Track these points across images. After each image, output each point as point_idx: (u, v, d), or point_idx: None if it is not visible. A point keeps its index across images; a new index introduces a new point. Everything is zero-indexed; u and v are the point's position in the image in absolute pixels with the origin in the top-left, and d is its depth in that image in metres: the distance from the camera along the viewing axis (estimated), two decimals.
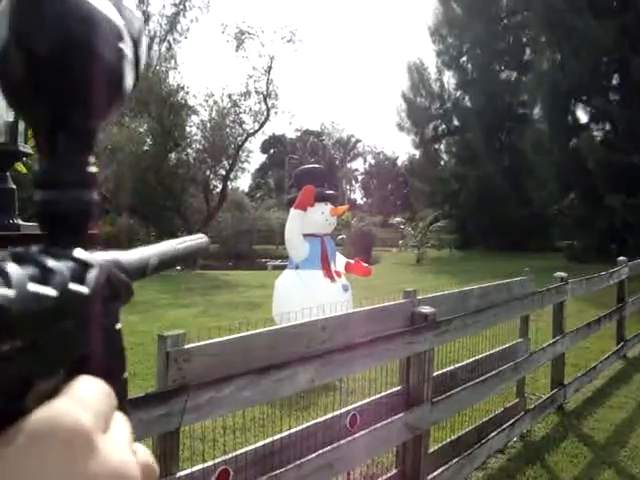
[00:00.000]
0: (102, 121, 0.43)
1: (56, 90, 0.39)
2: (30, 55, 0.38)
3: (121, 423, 0.37)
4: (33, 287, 0.33)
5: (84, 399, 0.34)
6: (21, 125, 2.28)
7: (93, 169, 0.43)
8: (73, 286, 0.35)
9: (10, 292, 0.32)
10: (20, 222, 2.07)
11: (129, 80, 0.43)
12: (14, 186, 2.17)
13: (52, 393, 0.34)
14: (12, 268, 0.33)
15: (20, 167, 3.30)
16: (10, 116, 2.27)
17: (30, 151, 2.37)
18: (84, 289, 0.36)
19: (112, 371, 0.40)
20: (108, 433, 0.35)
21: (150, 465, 0.40)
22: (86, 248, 0.39)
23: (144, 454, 0.40)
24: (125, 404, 0.42)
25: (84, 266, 0.37)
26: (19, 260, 0.34)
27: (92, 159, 0.43)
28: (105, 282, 0.38)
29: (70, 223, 0.41)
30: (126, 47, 0.42)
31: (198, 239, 0.53)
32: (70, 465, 0.31)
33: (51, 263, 0.35)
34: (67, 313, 0.35)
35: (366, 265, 8.45)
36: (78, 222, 0.42)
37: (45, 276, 0.34)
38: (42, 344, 0.33)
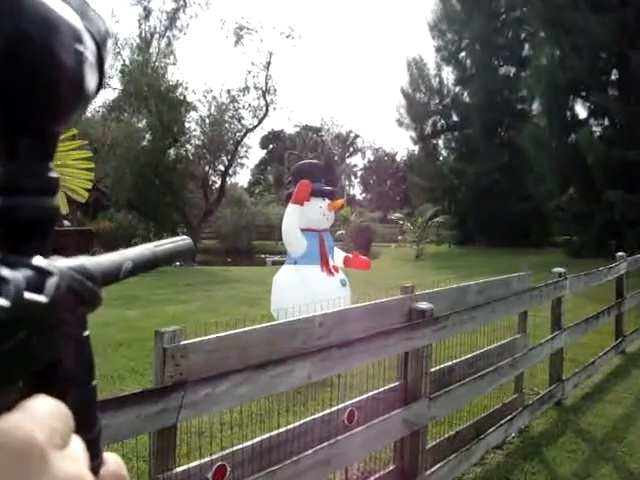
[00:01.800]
0: (62, 125, 0.42)
1: (10, 93, 0.38)
2: None
3: (77, 444, 0.36)
4: None
5: (39, 415, 0.33)
6: None
7: (54, 174, 0.42)
8: (29, 295, 0.34)
9: None
10: None
11: (91, 83, 0.42)
12: None
13: (9, 406, 0.33)
14: None
15: None
16: None
17: None
18: (42, 298, 0.35)
19: (79, 379, 0.40)
20: (64, 450, 0.34)
21: (121, 475, 0.40)
22: (47, 255, 0.38)
23: (114, 464, 0.40)
24: (94, 412, 0.41)
25: (43, 274, 0.36)
26: None
27: (52, 164, 0.42)
28: (67, 290, 0.37)
29: (31, 230, 0.40)
30: (86, 49, 0.41)
31: (179, 241, 0.51)
32: (22, 479, 0.30)
33: (5, 272, 0.34)
34: (23, 324, 0.34)
35: (365, 258, 8.43)
36: (39, 229, 0.41)
37: None
38: None
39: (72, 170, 4.18)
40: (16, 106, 0.38)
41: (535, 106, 29.28)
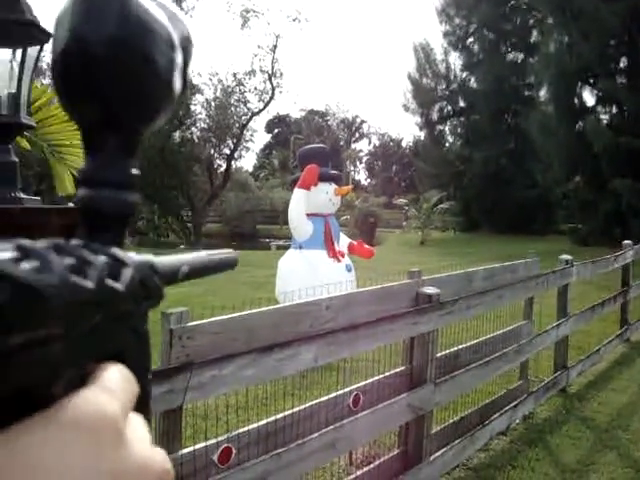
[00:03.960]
0: (150, 125, 0.44)
1: (109, 91, 0.40)
2: (87, 55, 0.39)
3: (140, 422, 0.36)
4: (72, 278, 0.33)
5: (112, 387, 0.33)
6: (23, 97, 2.26)
7: (135, 171, 0.44)
8: (109, 282, 0.35)
9: (51, 279, 0.31)
10: (22, 195, 2.05)
11: (178, 86, 0.44)
12: (16, 159, 2.14)
13: (80, 384, 0.33)
14: (53, 257, 0.33)
15: (24, 143, 3.28)
16: (12, 87, 2.25)
17: (33, 124, 2.35)
18: (119, 286, 0.36)
19: (139, 371, 0.40)
20: (131, 423, 0.34)
21: (167, 470, 0.38)
22: (123, 248, 0.40)
23: (164, 459, 0.39)
24: (149, 405, 0.42)
25: (120, 264, 0.37)
26: (59, 250, 0.34)
27: (135, 162, 0.44)
28: (139, 282, 0.38)
29: (109, 222, 0.42)
30: (177, 55, 0.43)
31: (228, 254, 0.53)
32: (96, 456, 0.30)
33: (90, 257, 0.35)
34: (101, 307, 0.35)
35: (368, 247, 8.45)
36: (117, 222, 0.42)
37: (84, 268, 0.34)
38: (74, 335, 0.33)
39: (77, 150, 4.16)
40: (113, 104, 0.40)
41: (542, 93, 29.12)
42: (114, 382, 0.34)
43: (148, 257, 0.41)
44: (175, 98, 0.44)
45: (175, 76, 0.43)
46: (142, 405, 0.39)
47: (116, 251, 0.38)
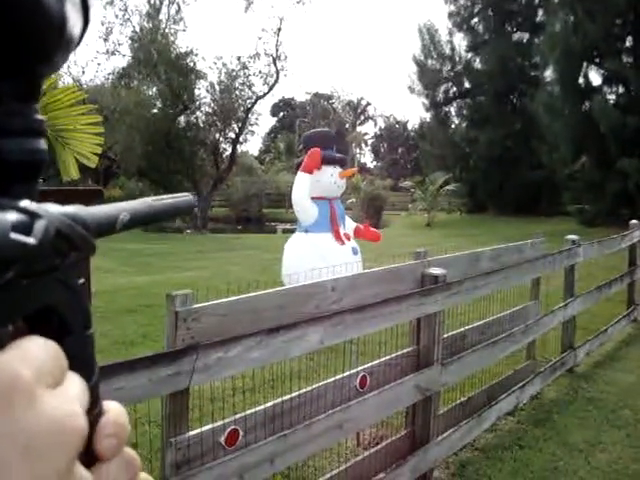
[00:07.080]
0: (46, 67, 0.41)
1: None
2: None
3: (74, 382, 0.36)
4: None
5: (28, 354, 0.33)
6: None
7: (39, 116, 0.41)
8: (15, 236, 0.33)
9: None
10: None
11: (75, 24, 0.41)
12: None
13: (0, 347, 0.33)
14: None
15: None
16: None
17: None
18: (29, 239, 0.34)
19: (74, 326, 0.39)
20: (56, 389, 0.34)
21: (121, 423, 0.40)
22: (35, 199, 0.37)
23: (115, 412, 0.40)
24: (91, 360, 0.41)
25: (31, 217, 0.35)
26: None
27: (37, 106, 0.41)
28: (56, 234, 0.36)
29: (18, 172, 0.39)
30: None
31: (179, 197, 0.50)
32: (7, 416, 0.30)
33: None
34: (9, 264, 0.33)
35: (375, 230, 8.44)
36: (27, 171, 0.40)
37: None
38: None
39: (81, 135, 4.15)
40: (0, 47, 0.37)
41: (548, 73, 28.88)
42: (30, 348, 0.34)
43: (72, 208, 0.39)
44: (73, 35, 0.41)
45: (67, 9, 0.39)
46: (81, 358, 0.39)
47: (26, 204, 0.36)
